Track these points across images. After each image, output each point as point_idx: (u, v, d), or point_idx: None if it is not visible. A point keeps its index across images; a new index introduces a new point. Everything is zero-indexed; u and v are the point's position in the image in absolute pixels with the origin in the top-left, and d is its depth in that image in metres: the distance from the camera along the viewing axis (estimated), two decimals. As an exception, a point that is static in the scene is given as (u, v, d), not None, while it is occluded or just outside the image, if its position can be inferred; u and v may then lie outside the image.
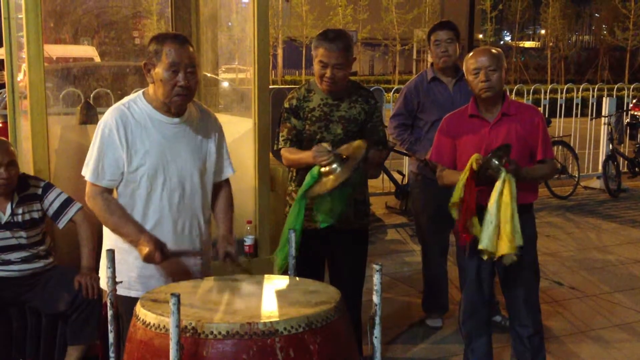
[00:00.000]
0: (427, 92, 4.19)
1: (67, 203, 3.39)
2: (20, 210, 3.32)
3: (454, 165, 3.26)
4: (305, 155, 3.05)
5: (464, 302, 3.37)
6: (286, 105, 3.27)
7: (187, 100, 2.63)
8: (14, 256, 3.32)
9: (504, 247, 2.97)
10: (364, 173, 3.06)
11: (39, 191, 3.38)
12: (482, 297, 3.31)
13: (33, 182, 3.40)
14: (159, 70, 2.56)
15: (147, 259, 2.53)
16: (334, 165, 2.88)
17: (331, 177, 2.88)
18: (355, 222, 3.28)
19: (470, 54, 3.24)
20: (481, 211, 3.05)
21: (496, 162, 2.96)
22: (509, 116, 3.18)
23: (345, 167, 2.86)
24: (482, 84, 3.12)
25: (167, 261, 2.60)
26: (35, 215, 3.37)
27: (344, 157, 2.92)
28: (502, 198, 2.96)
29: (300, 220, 2.98)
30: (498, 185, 2.97)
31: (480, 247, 3.02)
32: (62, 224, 3.39)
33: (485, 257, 3.04)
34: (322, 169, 2.92)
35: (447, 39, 4.09)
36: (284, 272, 2.81)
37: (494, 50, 3.20)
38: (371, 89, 7.83)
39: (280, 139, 3.26)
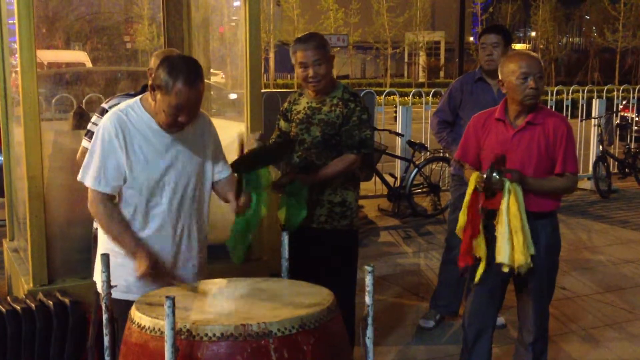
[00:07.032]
0: (471, 91, 4.24)
1: None
2: None
3: (477, 165, 3.23)
4: None
5: (471, 305, 3.32)
6: (281, 108, 3.48)
7: (182, 129, 2.63)
8: None
9: (520, 258, 2.95)
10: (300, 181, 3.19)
11: None
12: (492, 303, 3.28)
13: None
14: (164, 103, 2.51)
15: (142, 276, 2.57)
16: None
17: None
18: (327, 224, 3.30)
19: (516, 56, 3.13)
20: (489, 220, 3.05)
21: (497, 177, 2.94)
22: (534, 125, 3.08)
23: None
24: (530, 90, 3.04)
25: (161, 276, 2.62)
26: None
27: (270, 146, 3.16)
28: (509, 209, 2.94)
29: (254, 210, 2.95)
30: (504, 198, 2.95)
31: (497, 261, 3.01)
32: None
33: (506, 270, 3.01)
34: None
35: (494, 42, 4.12)
36: (276, 275, 2.83)
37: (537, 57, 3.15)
38: (362, 93, 7.89)
39: (270, 139, 3.44)
